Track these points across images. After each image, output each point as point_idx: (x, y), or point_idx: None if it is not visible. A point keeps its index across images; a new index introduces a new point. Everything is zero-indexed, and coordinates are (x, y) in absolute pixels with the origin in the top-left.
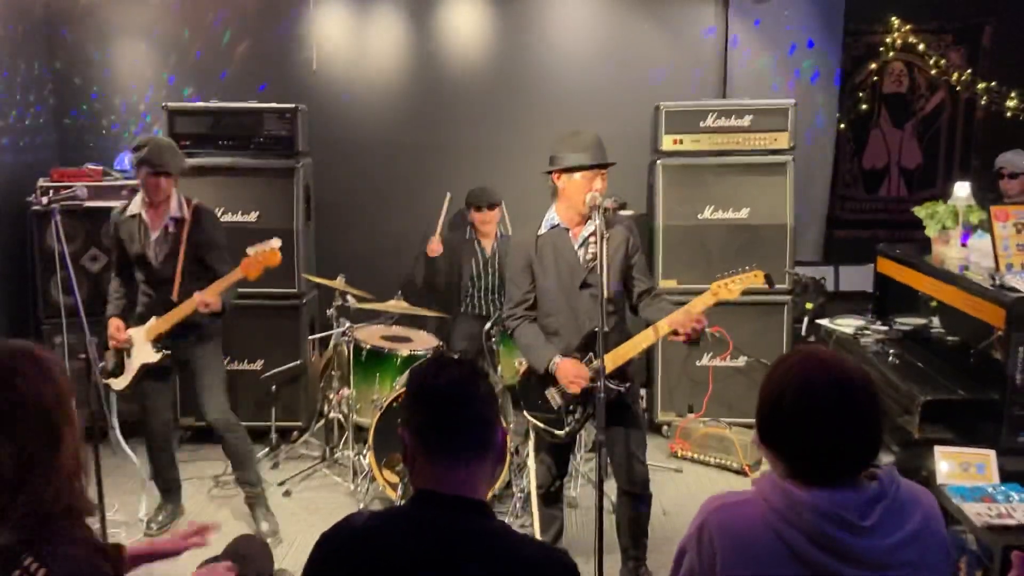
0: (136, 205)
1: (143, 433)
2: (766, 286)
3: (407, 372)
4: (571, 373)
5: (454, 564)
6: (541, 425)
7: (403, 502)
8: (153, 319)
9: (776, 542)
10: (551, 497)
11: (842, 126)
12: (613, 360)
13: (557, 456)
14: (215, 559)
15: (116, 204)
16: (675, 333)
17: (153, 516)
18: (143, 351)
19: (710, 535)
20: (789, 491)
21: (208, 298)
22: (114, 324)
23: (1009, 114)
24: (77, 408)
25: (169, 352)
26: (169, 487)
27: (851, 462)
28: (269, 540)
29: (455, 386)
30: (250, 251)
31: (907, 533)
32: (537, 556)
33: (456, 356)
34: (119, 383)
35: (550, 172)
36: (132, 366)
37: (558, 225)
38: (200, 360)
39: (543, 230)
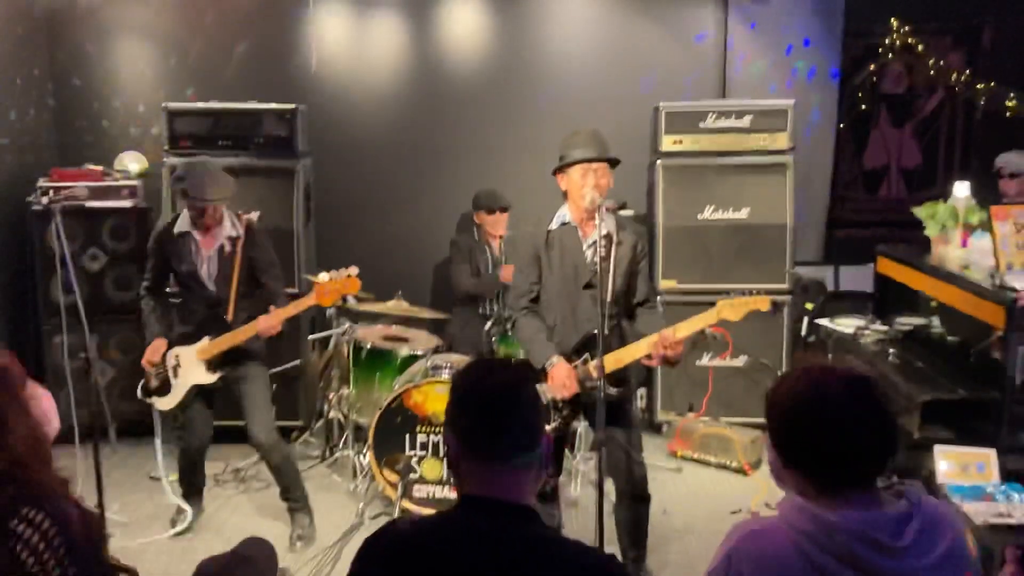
0: (185, 223)
1: (180, 448)
2: (770, 311)
3: (407, 372)
4: (560, 380)
5: (504, 572)
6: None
7: (448, 508)
8: (206, 339)
9: (809, 568)
10: (547, 495)
11: (841, 126)
12: (610, 364)
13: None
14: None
15: (116, 203)
16: (649, 356)
17: (176, 515)
18: (195, 372)
19: (739, 565)
20: (817, 514)
21: (275, 323)
22: (154, 347)
23: (1009, 114)
24: (76, 408)
25: (224, 374)
26: (192, 491)
27: (875, 461)
28: (299, 544)
29: (502, 388)
30: (323, 277)
31: (941, 553)
32: (588, 562)
33: (501, 358)
34: (165, 403)
35: (555, 174)
36: (182, 386)
37: (568, 223)
38: (247, 380)
39: (554, 225)
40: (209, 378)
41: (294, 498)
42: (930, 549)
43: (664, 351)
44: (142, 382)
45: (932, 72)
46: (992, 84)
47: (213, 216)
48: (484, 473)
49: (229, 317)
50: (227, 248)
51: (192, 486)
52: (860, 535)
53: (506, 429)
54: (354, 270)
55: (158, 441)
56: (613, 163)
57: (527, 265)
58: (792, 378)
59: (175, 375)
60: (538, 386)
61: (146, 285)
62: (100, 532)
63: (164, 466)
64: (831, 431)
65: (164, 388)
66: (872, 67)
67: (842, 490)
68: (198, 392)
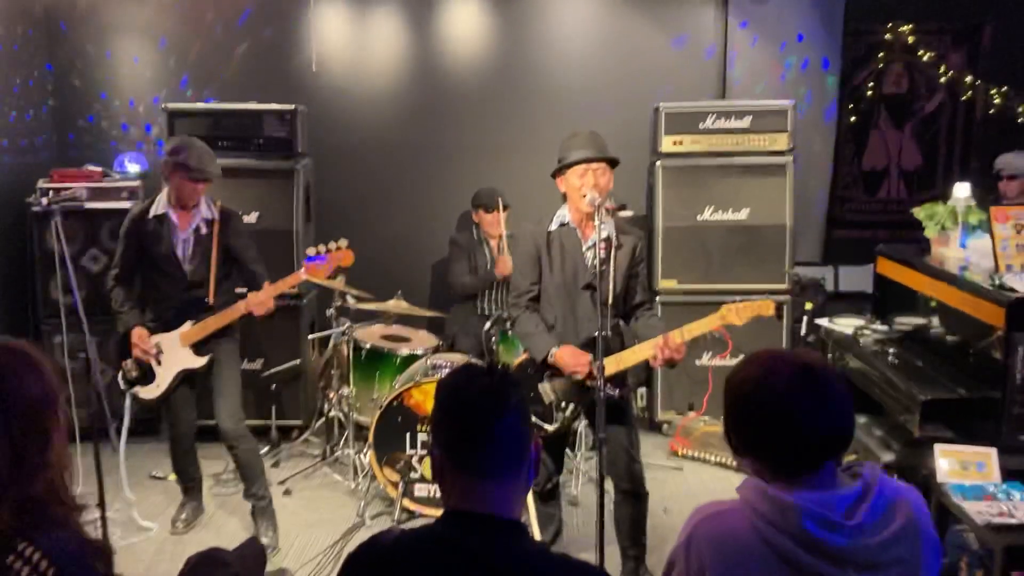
0: (161, 205)
1: (168, 436)
2: (775, 315)
3: (407, 371)
4: (571, 361)
5: None
6: (532, 419)
7: (432, 522)
8: (188, 324)
9: (764, 548)
10: (547, 495)
11: (842, 127)
12: (612, 366)
13: (552, 452)
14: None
15: (116, 205)
16: (653, 357)
17: (177, 515)
18: (181, 357)
19: (698, 546)
20: (773, 495)
21: (266, 299)
22: (139, 334)
23: (1021, 120)
24: (77, 407)
25: (211, 356)
26: (191, 486)
27: (826, 447)
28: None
29: (486, 397)
30: (311, 251)
31: (895, 530)
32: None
33: (486, 364)
34: (150, 392)
35: (554, 177)
36: (167, 373)
37: (568, 223)
38: (220, 363)
39: (554, 226)
40: (198, 362)
41: (257, 495)
42: (884, 526)
43: (668, 354)
44: (120, 373)
45: (932, 72)
46: (992, 84)
47: (200, 194)
48: (468, 487)
49: (211, 300)
50: (203, 230)
51: (190, 479)
52: (812, 514)
53: (491, 443)
54: (344, 242)
55: (124, 432)
56: (612, 163)
57: (527, 264)
58: (743, 366)
59: (158, 363)
60: (540, 386)
61: (115, 274)
62: (107, 568)
63: (123, 455)
64: (778, 420)
65: (145, 377)
66: (872, 67)
67: (795, 474)
68: (183, 378)
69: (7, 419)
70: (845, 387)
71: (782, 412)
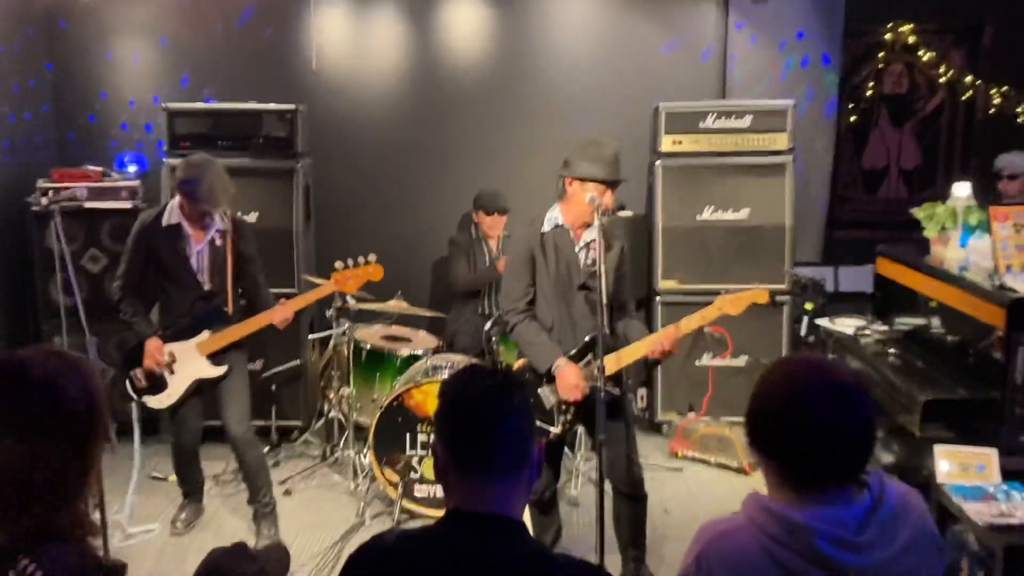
0: (174, 215)
1: (173, 443)
2: (769, 303)
3: (407, 372)
4: (570, 382)
5: None
6: (535, 420)
7: (435, 522)
8: (206, 333)
9: (775, 568)
10: (546, 505)
11: (842, 127)
12: (611, 365)
13: (549, 460)
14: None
15: (115, 204)
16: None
17: (176, 515)
18: (196, 366)
19: (709, 567)
20: (781, 513)
21: (289, 314)
22: (155, 345)
23: (1021, 120)
24: None
25: (228, 365)
26: (192, 489)
27: (846, 469)
28: None
29: (490, 397)
30: (339, 264)
31: (904, 542)
32: (577, 575)
33: (489, 365)
34: (161, 401)
35: (563, 175)
36: (181, 382)
37: (561, 225)
38: (230, 369)
39: (546, 227)
40: (215, 371)
41: (262, 502)
42: (893, 539)
43: (668, 346)
44: (128, 382)
45: (932, 72)
46: (992, 84)
47: (212, 215)
48: (471, 486)
49: (229, 310)
50: (218, 241)
51: (193, 483)
52: (823, 533)
53: (495, 443)
54: (373, 257)
55: (137, 443)
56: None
57: (521, 267)
58: (781, 371)
59: (171, 371)
60: (539, 390)
61: (121, 284)
62: None
63: (139, 465)
64: (802, 437)
65: (155, 386)
66: (872, 67)
67: (811, 488)
68: (195, 387)
69: (55, 429)
70: (872, 412)
71: (806, 438)
